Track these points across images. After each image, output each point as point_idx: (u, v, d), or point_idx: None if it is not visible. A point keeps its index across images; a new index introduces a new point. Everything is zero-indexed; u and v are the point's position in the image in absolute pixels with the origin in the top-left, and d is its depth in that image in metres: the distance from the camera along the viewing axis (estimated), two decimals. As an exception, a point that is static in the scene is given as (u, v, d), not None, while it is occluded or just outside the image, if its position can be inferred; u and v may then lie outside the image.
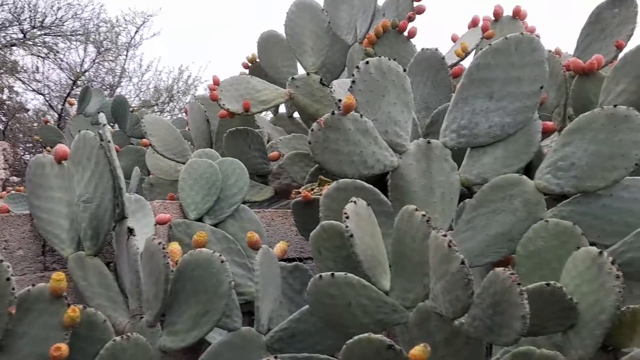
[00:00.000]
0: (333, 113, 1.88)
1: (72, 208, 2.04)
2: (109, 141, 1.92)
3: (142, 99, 9.23)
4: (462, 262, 1.47)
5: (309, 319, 1.99)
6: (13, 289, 1.50)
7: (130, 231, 1.95)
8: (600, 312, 1.56)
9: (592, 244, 1.91)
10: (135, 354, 1.64)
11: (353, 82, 1.93)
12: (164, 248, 1.76)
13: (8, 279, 1.50)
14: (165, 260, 1.75)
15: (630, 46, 2.44)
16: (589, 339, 1.59)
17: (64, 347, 1.52)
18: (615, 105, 1.88)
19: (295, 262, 2.38)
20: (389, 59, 1.99)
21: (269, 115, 4.47)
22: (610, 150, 1.87)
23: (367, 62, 1.95)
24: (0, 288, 1.50)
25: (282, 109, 3.88)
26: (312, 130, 1.88)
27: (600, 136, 1.88)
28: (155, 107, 9.14)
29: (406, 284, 1.73)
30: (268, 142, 3.46)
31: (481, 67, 2.01)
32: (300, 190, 2.63)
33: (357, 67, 1.94)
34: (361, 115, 1.91)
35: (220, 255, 1.79)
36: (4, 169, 1.83)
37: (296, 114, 3.72)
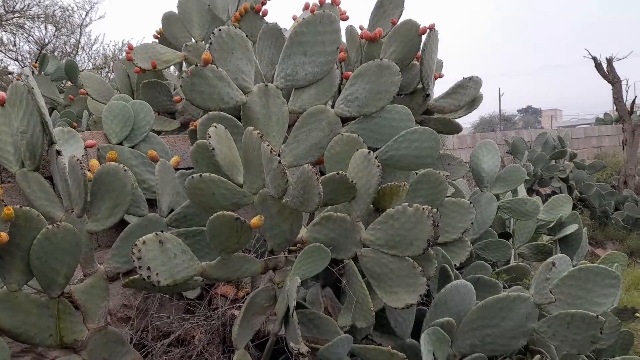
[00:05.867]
0: (197, 65, 1.74)
1: (14, 138, 1.80)
2: (33, 88, 1.67)
3: (94, 63, 8.39)
4: (279, 162, 1.44)
5: (194, 205, 1.92)
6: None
7: (58, 152, 1.75)
8: (369, 188, 1.60)
9: (370, 147, 1.94)
10: (65, 236, 1.50)
11: (210, 43, 1.78)
12: (80, 163, 1.60)
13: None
14: (82, 171, 1.58)
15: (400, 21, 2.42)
16: (363, 204, 1.63)
17: (4, 235, 1.36)
18: (381, 59, 1.88)
19: (191, 169, 2.27)
20: (236, 28, 1.85)
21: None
22: (378, 88, 1.88)
23: (220, 30, 1.79)
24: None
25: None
26: (182, 77, 1.74)
27: (373, 79, 1.88)
28: (105, 69, 8.32)
29: (252, 179, 1.68)
30: (174, 90, 3.23)
31: (298, 34, 1.91)
32: (195, 122, 2.48)
33: (213, 32, 1.78)
34: (217, 67, 1.78)
35: (124, 166, 1.65)
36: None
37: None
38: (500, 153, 2.80)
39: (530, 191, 5.76)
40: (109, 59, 8.75)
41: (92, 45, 8.88)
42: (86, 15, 8.65)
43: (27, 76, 1.68)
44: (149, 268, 1.38)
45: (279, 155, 1.90)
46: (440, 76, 2.82)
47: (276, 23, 2.32)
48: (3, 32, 8.66)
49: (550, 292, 1.63)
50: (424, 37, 2.27)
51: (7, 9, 8.78)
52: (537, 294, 1.67)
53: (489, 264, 2.43)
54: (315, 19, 1.88)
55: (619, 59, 6.65)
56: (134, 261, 1.36)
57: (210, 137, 1.61)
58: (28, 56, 8.49)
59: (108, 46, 8.98)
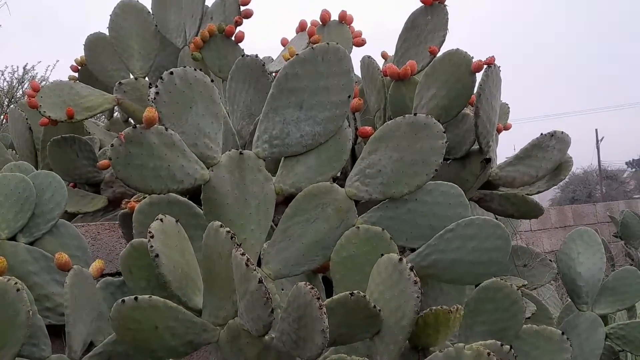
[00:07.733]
0: (135, 127, 1.78)
1: None
2: None
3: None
4: (260, 281, 1.42)
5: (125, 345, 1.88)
6: None
7: None
8: (402, 318, 1.58)
9: (401, 247, 1.94)
10: None
11: (157, 93, 1.82)
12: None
13: None
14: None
15: (443, 51, 2.49)
16: (392, 344, 1.61)
17: None
18: (415, 113, 1.92)
19: (122, 275, 2.25)
20: (195, 69, 1.90)
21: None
22: (412, 157, 1.91)
23: (172, 73, 1.84)
24: None
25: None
26: (112, 145, 1.76)
27: (403, 144, 1.92)
28: (-2, 108, 8.50)
29: (217, 302, 1.66)
30: (101, 148, 3.28)
31: (290, 77, 1.96)
32: (130, 200, 2.50)
33: (161, 77, 1.83)
34: (166, 128, 1.81)
35: (17, 283, 1.64)
36: None
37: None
38: (605, 237, 2.78)
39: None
40: (2, 96, 9.00)
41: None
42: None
43: None
44: None
45: (260, 265, 1.91)
46: (507, 127, 2.88)
47: (257, 55, 2.41)
48: None
49: None
50: (479, 75, 2.34)
51: None
52: None
53: None
54: (314, 54, 1.94)
55: None
56: None
57: (152, 236, 1.61)
58: None
59: (2, 74, 9.17)
